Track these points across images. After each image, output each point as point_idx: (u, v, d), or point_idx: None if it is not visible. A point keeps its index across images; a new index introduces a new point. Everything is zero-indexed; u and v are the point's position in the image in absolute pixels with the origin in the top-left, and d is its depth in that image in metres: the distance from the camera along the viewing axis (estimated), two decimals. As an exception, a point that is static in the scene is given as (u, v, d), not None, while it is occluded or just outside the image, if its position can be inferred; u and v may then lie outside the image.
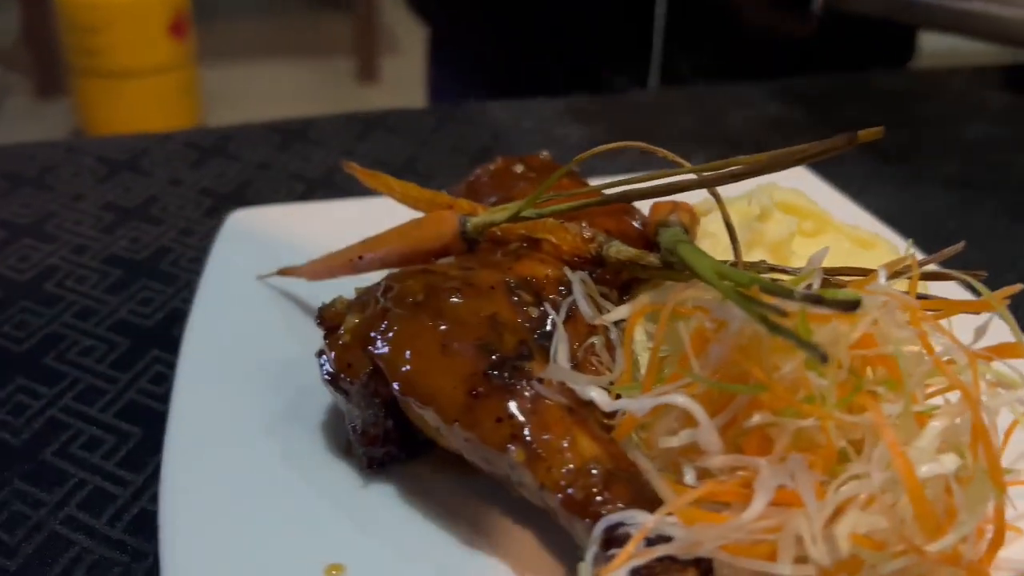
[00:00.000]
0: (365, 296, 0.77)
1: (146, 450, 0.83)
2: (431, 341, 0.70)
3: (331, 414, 0.81)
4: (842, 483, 0.56)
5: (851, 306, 0.50)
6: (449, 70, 2.01)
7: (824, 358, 0.49)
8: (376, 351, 0.72)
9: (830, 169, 1.10)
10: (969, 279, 0.62)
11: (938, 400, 0.63)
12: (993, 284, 0.64)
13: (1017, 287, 0.62)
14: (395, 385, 0.71)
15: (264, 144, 1.38)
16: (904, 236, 0.99)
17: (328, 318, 0.77)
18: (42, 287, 1.04)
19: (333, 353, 0.75)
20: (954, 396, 0.63)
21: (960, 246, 0.70)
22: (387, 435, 0.74)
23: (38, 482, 0.79)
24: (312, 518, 0.71)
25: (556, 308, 0.74)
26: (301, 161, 1.34)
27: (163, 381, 0.91)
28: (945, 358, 0.61)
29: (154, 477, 0.80)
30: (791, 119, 1.53)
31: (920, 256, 0.69)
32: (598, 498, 0.61)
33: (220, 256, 1.00)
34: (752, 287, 0.59)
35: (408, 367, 0.70)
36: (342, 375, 0.73)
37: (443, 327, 0.71)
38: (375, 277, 0.95)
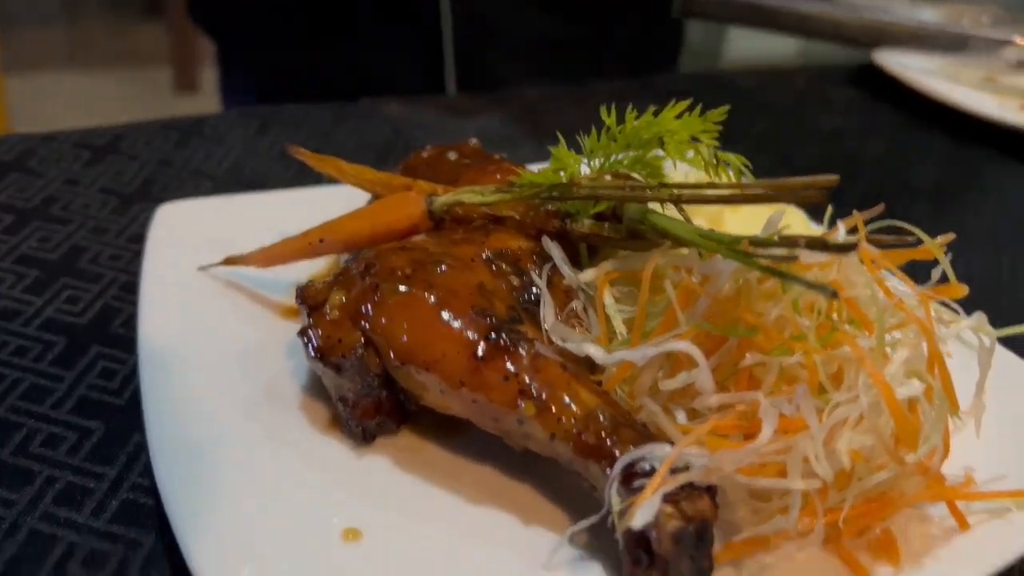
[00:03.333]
0: (344, 275, 0.79)
1: (113, 443, 0.81)
2: (427, 311, 0.73)
3: (306, 394, 0.83)
4: (832, 408, 0.64)
5: (850, 248, 0.58)
6: (239, 82, 1.98)
7: (835, 294, 0.56)
8: (370, 324, 0.74)
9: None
10: (914, 229, 0.72)
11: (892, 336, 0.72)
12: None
13: (951, 236, 0.72)
14: (392, 355, 0.74)
15: (162, 139, 1.35)
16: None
17: (310, 296, 0.79)
18: (-45, 291, 0.99)
19: (320, 330, 0.76)
20: (899, 333, 0.72)
21: (880, 207, 0.80)
22: (380, 406, 0.76)
23: (2, 483, 0.76)
24: (317, 490, 0.72)
25: (535, 276, 0.79)
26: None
27: (113, 376, 0.89)
28: (896, 299, 0.70)
29: (129, 468, 0.79)
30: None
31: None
32: (608, 441, 0.67)
33: (156, 250, 0.98)
34: (742, 243, 0.66)
35: (407, 337, 0.73)
36: (332, 350, 0.75)
37: (436, 297, 0.74)
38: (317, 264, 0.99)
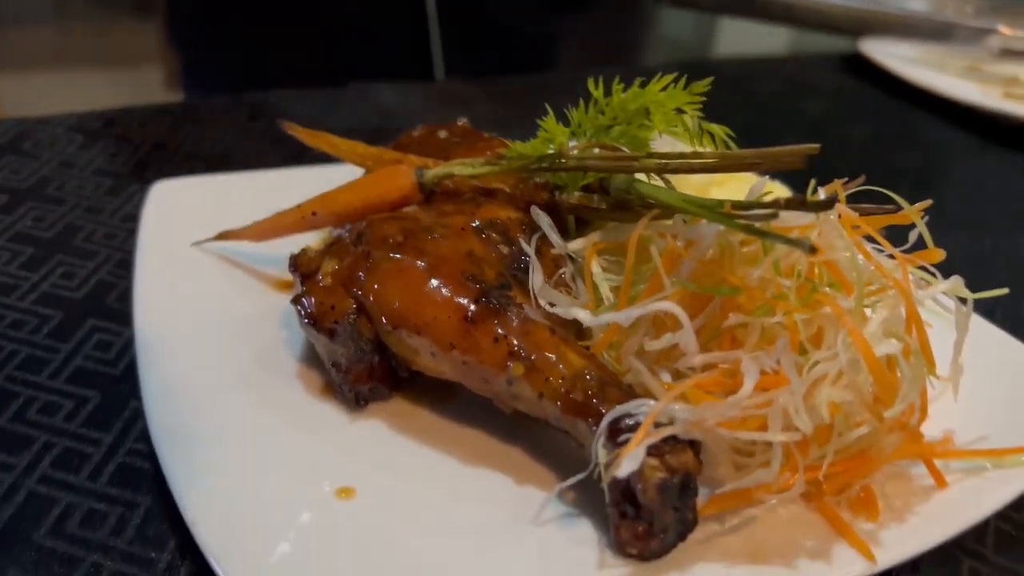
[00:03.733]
0: (337, 243, 0.81)
1: (110, 411, 0.82)
2: (419, 276, 0.75)
3: (300, 362, 0.84)
4: (812, 365, 0.66)
5: (828, 204, 0.60)
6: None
7: (812, 249, 0.58)
8: (363, 290, 0.76)
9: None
10: (892, 195, 0.74)
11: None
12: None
13: (928, 202, 0.73)
14: (384, 320, 0.75)
15: (156, 123, 1.37)
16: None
17: (303, 264, 0.80)
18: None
19: (313, 297, 0.78)
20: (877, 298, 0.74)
21: (862, 179, 0.81)
22: (372, 371, 0.78)
23: (0, 447, 0.78)
24: (311, 451, 0.74)
25: (525, 244, 0.80)
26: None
27: (109, 348, 0.90)
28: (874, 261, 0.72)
29: (125, 434, 0.80)
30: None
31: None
32: (595, 400, 0.68)
33: (150, 225, 1.00)
34: (724, 207, 0.68)
35: (399, 302, 0.75)
36: (325, 317, 0.77)
37: (428, 263, 0.76)
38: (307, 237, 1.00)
